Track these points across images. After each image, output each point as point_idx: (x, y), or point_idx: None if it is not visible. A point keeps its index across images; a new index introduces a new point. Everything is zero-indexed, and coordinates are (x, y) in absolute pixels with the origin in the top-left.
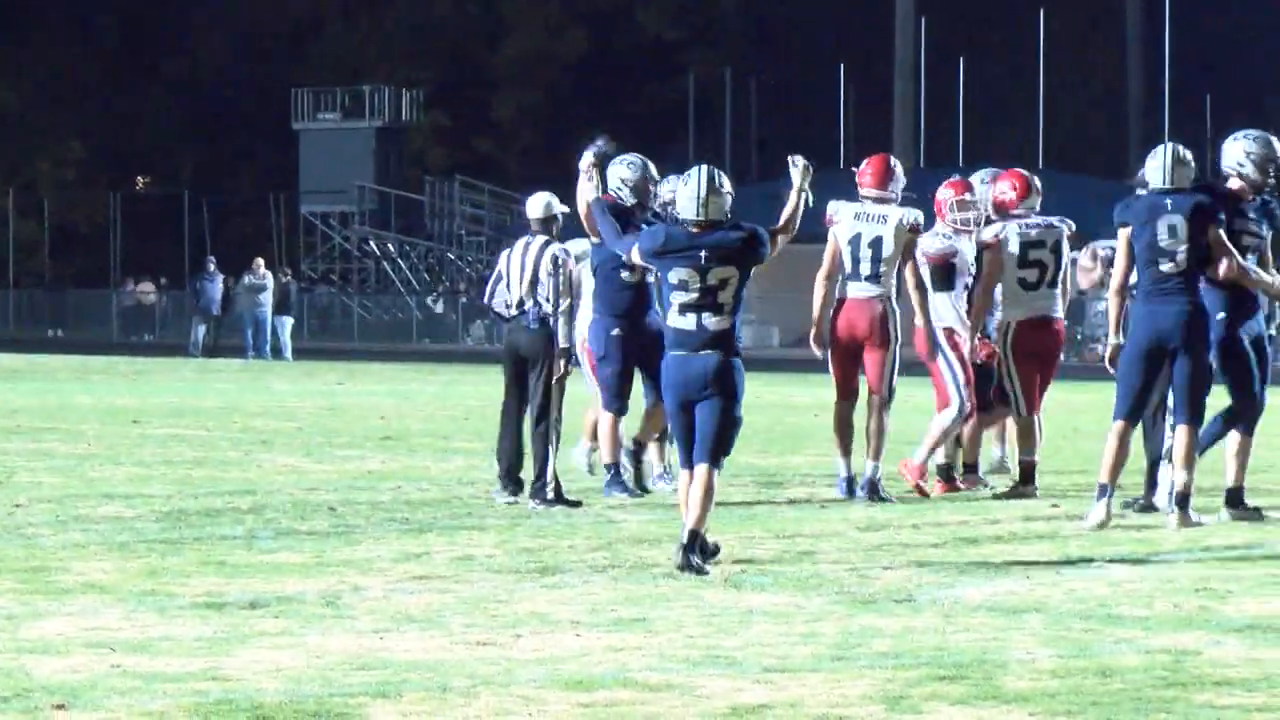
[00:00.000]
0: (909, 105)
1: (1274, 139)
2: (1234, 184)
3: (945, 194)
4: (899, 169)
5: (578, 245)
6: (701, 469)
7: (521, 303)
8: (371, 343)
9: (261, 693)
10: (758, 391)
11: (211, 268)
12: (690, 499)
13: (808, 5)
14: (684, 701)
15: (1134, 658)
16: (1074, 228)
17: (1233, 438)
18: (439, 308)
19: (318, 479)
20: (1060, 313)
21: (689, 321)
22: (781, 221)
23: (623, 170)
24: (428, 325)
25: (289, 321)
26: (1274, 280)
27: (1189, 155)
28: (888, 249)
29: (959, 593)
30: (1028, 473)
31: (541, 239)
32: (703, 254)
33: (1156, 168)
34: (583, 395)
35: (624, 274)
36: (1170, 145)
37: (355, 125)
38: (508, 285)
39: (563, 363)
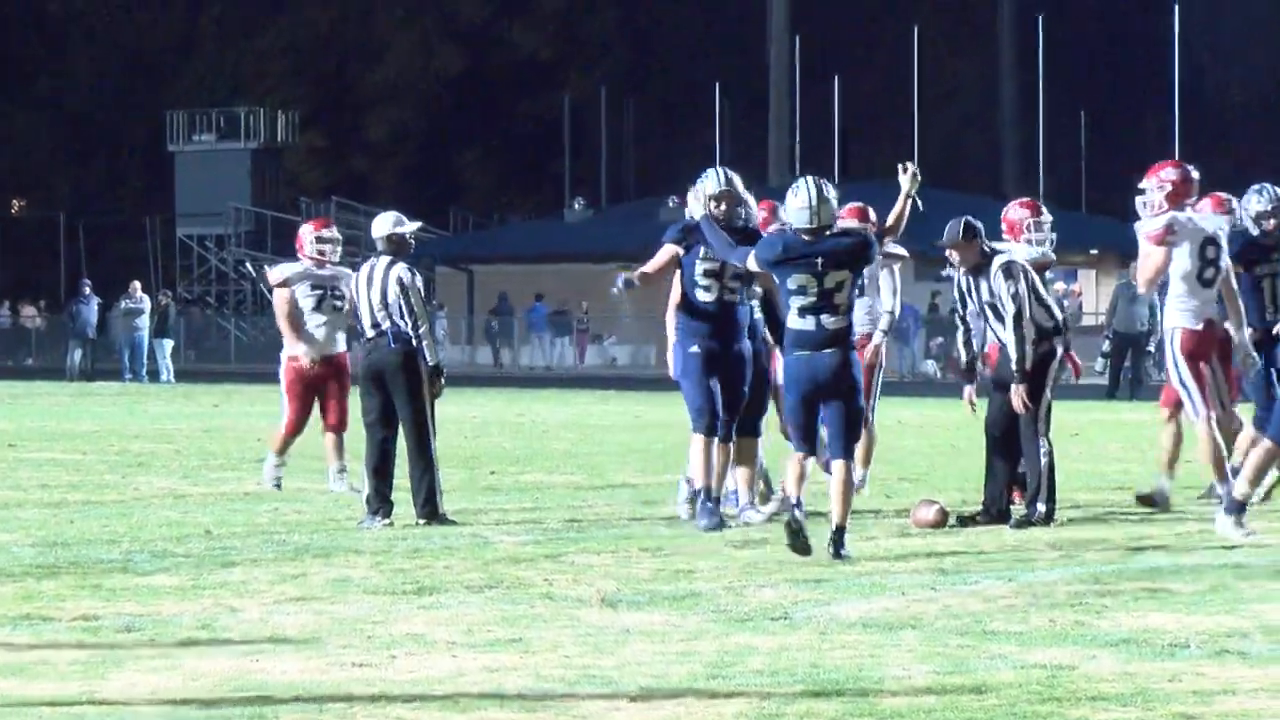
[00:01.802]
0: (784, 123)
1: None
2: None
3: (1020, 214)
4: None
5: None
6: (840, 464)
7: (378, 324)
8: (248, 364)
9: (138, 715)
10: (636, 411)
11: (87, 291)
12: (833, 495)
13: (683, 25)
14: None
15: (1009, 673)
16: None
17: None
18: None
19: (194, 501)
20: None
21: (809, 323)
22: (890, 222)
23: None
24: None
25: (169, 344)
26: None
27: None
28: None
29: (835, 610)
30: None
31: (386, 260)
32: (819, 260)
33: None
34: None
35: (701, 293)
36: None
37: (230, 147)
38: (357, 309)
39: (435, 382)
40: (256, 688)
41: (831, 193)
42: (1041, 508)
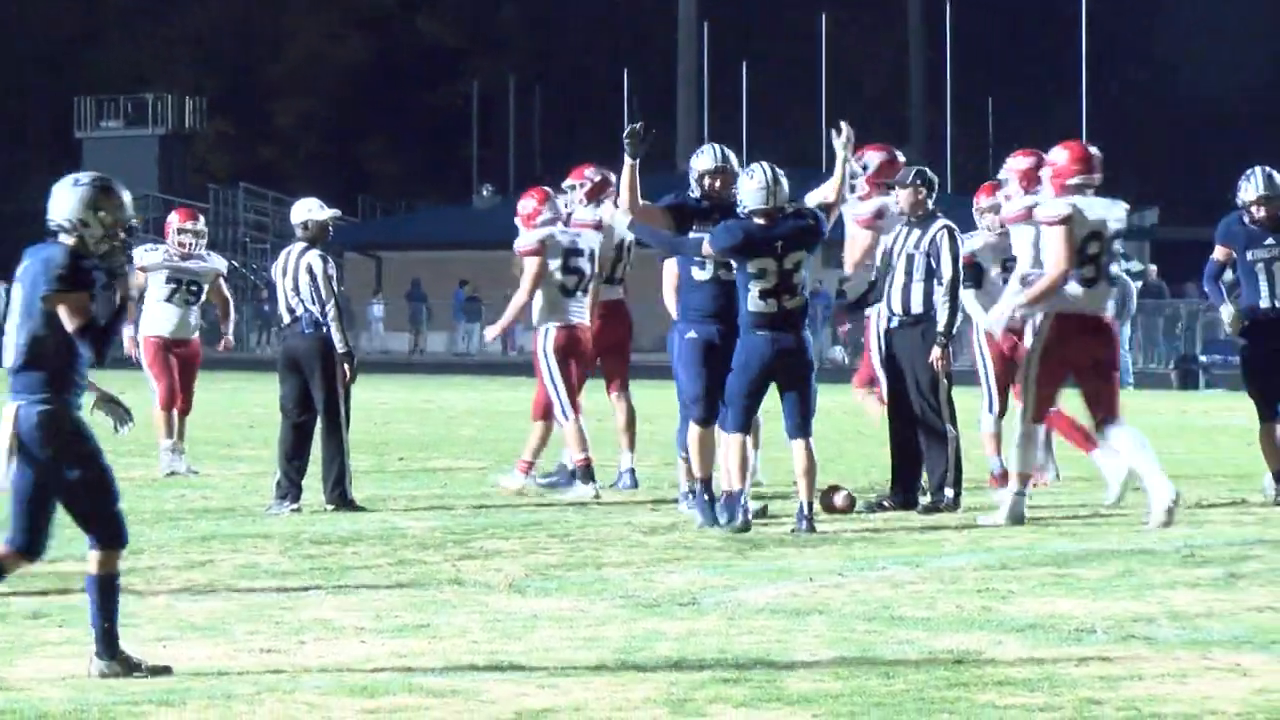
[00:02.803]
0: (692, 110)
1: None
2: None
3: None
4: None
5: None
6: (801, 443)
7: (292, 310)
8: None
9: (46, 701)
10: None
11: None
12: (799, 473)
13: (590, 12)
14: (469, 707)
15: (916, 659)
16: None
17: None
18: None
19: None
20: None
21: (771, 305)
22: (830, 197)
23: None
24: (211, 333)
25: None
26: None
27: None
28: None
29: (742, 595)
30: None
31: (300, 246)
32: (779, 243)
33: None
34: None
35: (696, 271)
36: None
37: (139, 133)
38: (274, 294)
39: (347, 367)
40: (164, 673)
41: (783, 177)
42: (949, 493)
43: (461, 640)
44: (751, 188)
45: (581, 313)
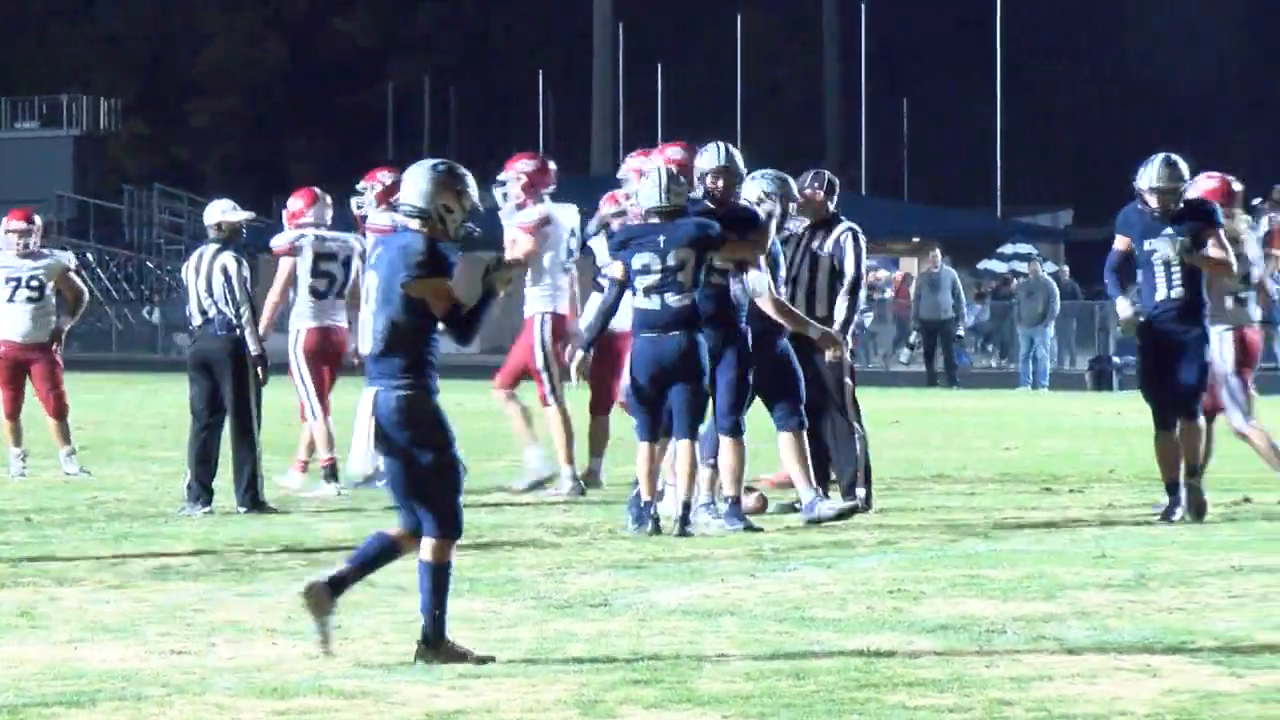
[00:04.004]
0: (608, 112)
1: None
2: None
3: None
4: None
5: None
6: (685, 444)
7: (204, 311)
8: (69, 352)
9: None
10: (458, 399)
11: None
12: (680, 473)
13: (507, 14)
14: (379, 708)
15: (827, 659)
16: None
17: None
18: (155, 318)
19: (14, 488)
20: None
21: (654, 302)
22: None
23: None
24: (127, 335)
25: None
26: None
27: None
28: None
29: (654, 596)
30: None
31: (214, 247)
32: (661, 238)
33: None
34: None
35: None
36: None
37: (53, 134)
38: (187, 296)
39: (259, 370)
40: (75, 676)
41: (682, 180)
42: (861, 493)
43: (373, 641)
44: (647, 188)
45: (336, 315)
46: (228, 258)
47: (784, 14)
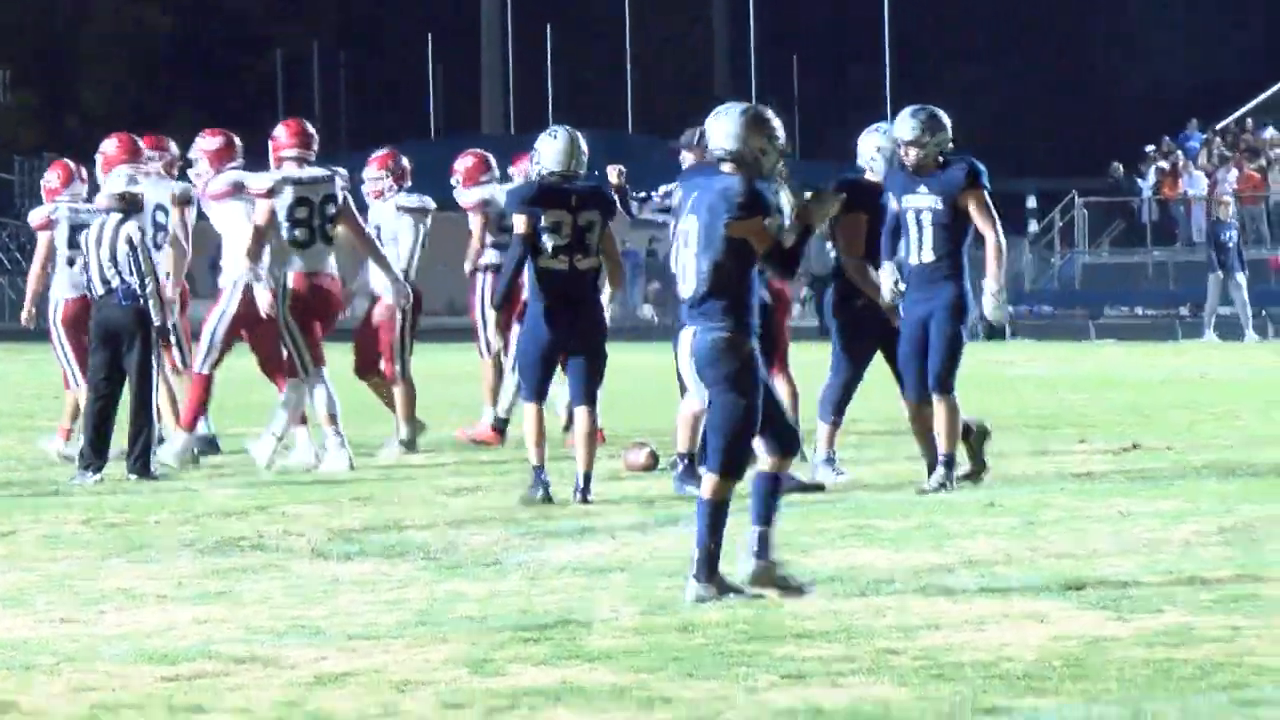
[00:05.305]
0: (497, 75)
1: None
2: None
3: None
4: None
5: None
6: (585, 411)
7: (107, 281)
8: None
9: None
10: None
11: None
12: (579, 441)
13: None
14: (268, 673)
15: (716, 613)
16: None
17: None
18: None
19: None
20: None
21: (562, 263)
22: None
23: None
24: (18, 305)
25: None
26: None
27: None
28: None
29: (545, 555)
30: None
31: (117, 218)
32: (573, 197)
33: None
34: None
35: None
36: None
37: None
38: (86, 265)
39: (163, 339)
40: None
41: (583, 143)
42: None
43: (263, 606)
44: (553, 149)
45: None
46: (132, 228)
47: None
